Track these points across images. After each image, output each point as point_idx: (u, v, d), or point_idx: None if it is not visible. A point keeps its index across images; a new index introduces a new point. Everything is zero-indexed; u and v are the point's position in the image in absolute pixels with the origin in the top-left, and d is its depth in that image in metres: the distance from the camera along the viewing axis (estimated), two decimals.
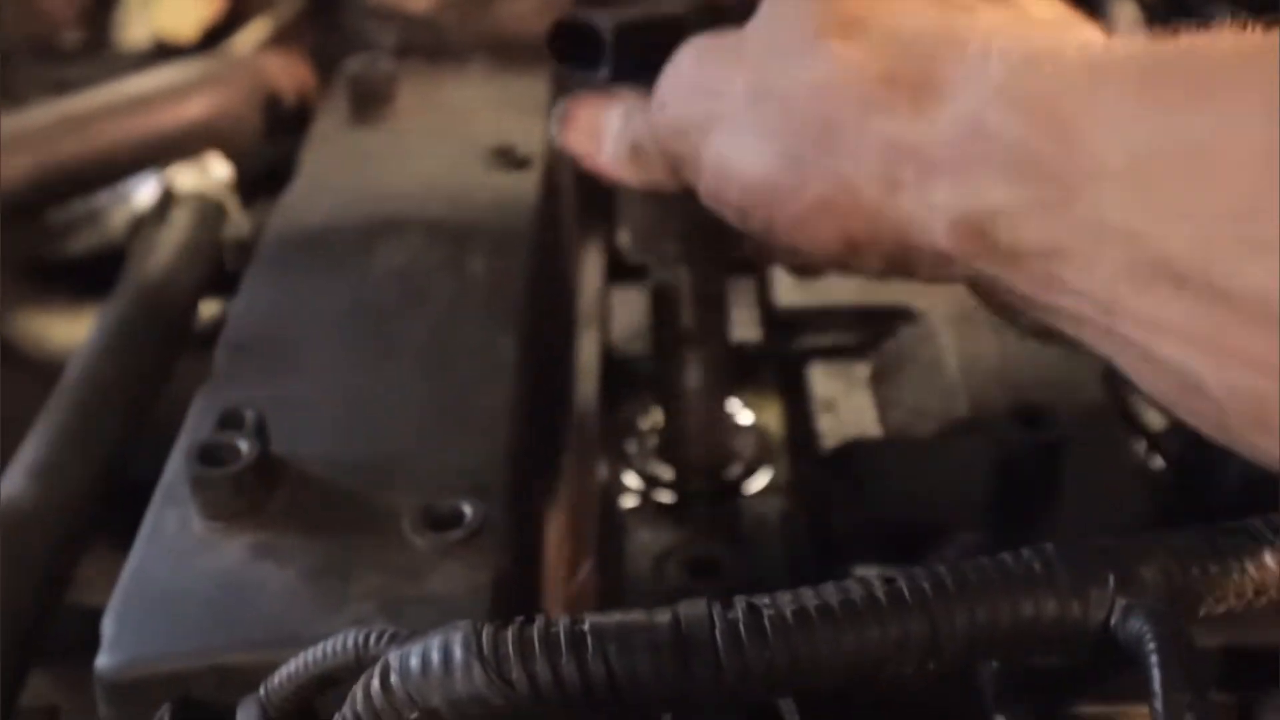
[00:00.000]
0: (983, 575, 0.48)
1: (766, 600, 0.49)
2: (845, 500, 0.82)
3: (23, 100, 1.36)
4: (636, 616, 0.49)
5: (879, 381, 0.91)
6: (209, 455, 0.64)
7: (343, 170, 0.95)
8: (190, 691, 0.58)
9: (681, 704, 0.49)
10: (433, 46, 1.10)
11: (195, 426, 0.72)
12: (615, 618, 0.49)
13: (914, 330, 0.92)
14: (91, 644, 0.65)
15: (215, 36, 1.39)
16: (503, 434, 0.69)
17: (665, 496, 0.88)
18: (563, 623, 0.49)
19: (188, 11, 1.34)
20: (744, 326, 0.96)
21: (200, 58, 1.14)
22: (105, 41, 1.40)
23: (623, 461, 0.90)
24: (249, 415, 0.67)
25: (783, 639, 0.47)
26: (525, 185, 0.91)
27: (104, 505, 0.76)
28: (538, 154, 0.94)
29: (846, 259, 0.61)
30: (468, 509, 0.64)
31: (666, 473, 0.89)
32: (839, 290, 0.96)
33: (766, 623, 0.48)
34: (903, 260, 0.60)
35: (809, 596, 0.48)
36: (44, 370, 1.30)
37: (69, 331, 1.27)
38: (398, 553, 0.62)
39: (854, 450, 0.84)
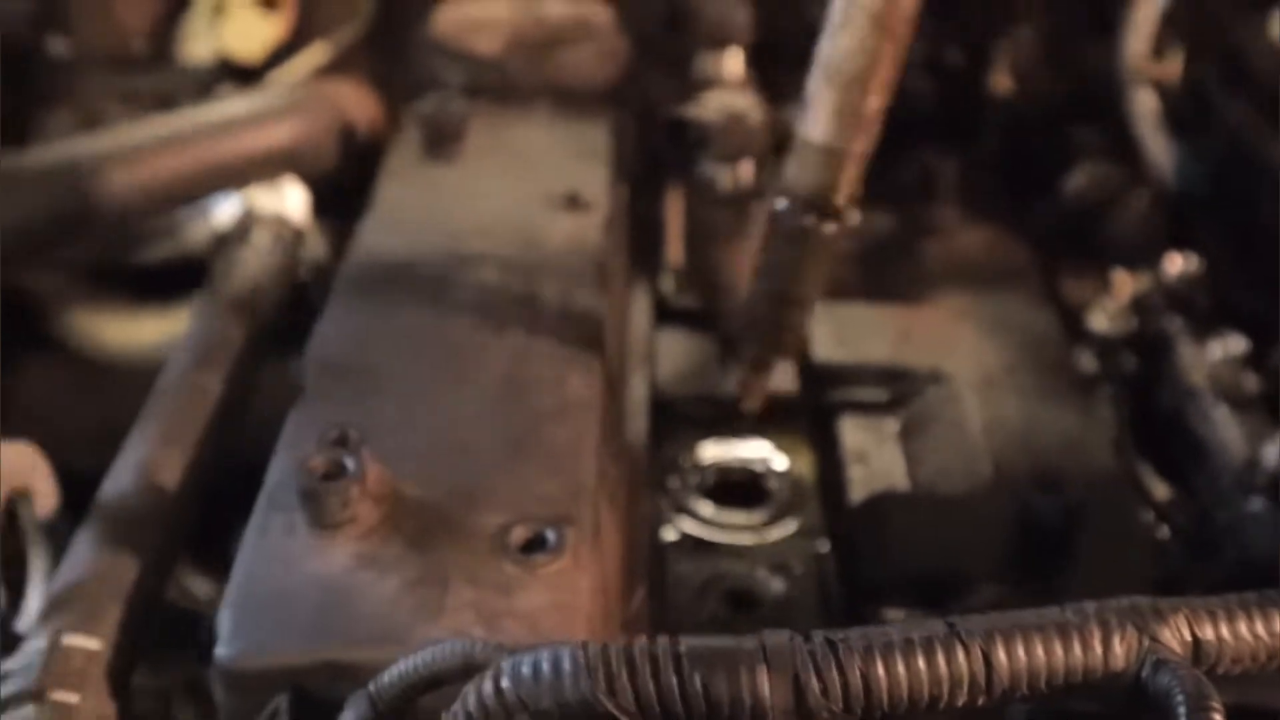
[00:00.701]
0: (1030, 625, 0.55)
1: (841, 635, 0.55)
2: (874, 548, 0.88)
3: (92, 107, 1.42)
4: (726, 642, 0.56)
5: (907, 437, 0.98)
6: (321, 470, 0.70)
7: (417, 204, 1.01)
8: (300, 684, 0.64)
9: None
10: (499, 88, 1.17)
11: (292, 441, 0.78)
12: (708, 642, 0.56)
13: (941, 391, 1.00)
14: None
15: (276, 57, 1.46)
16: (584, 468, 0.75)
17: (704, 532, 0.95)
18: (661, 643, 0.55)
19: (255, 33, 1.40)
20: (782, 378, 1.02)
21: (284, 86, 1.20)
22: (170, 55, 1.46)
23: (666, 497, 0.96)
24: (353, 435, 0.73)
25: (856, 669, 0.54)
26: (590, 228, 0.98)
27: (201, 503, 0.82)
28: (600, 200, 1.01)
29: None
30: (551, 535, 0.70)
31: (706, 509, 0.95)
32: (873, 350, 1.04)
33: (841, 654, 0.54)
34: None
35: (878, 634, 0.55)
36: (97, 367, 1.37)
37: (125, 332, 1.34)
38: (489, 570, 0.69)
39: (883, 502, 0.91)
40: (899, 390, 1.00)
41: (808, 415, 1.01)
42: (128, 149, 1.01)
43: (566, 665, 0.55)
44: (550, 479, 0.75)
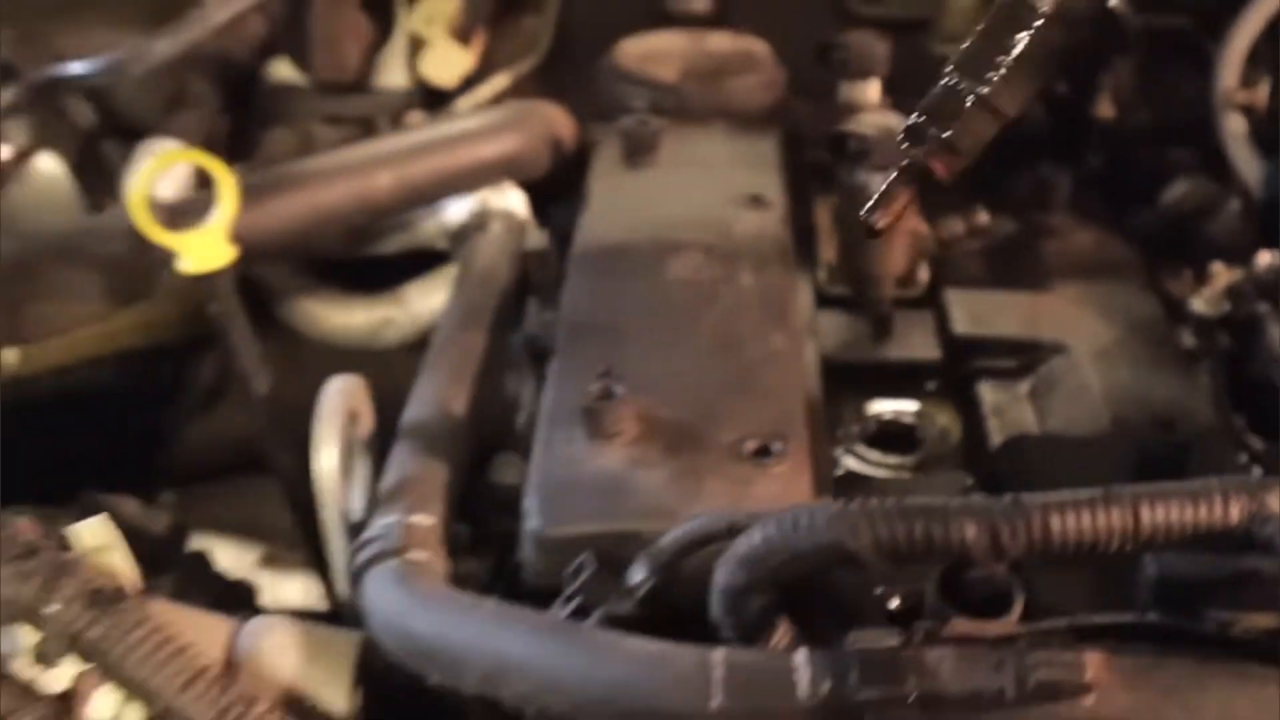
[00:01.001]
0: (1168, 491, 0.74)
1: (1027, 497, 0.74)
2: (1011, 481, 1.07)
3: (303, 126, 1.64)
4: (935, 500, 0.75)
5: (1036, 397, 1.17)
6: (597, 394, 0.91)
7: (625, 202, 1.22)
8: (595, 548, 0.84)
9: (962, 560, 0.74)
10: (677, 109, 1.38)
11: (557, 381, 0.99)
12: (921, 501, 0.75)
13: (1063, 360, 1.18)
14: None
15: (466, 84, 1.68)
16: (793, 400, 0.95)
17: (868, 471, 1.14)
18: (888, 501, 0.75)
19: (453, 64, 1.62)
20: (927, 349, 1.22)
21: (504, 107, 1.41)
22: (366, 82, 1.69)
23: (836, 444, 1.15)
24: (616, 370, 0.93)
25: (1037, 521, 0.73)
26: (772, 222, 1.18)
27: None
28: (778, 200, 1.22)
29: None
30: (776, 445, 0.90)
31: (869, 453, 1.14)
32: (1004, 327, 1.23)
33: (1027, 509, 0.73)
34: None
35: (1053, 496, 0.74)
36: (314, 347, 1.58)
37: (339, 319, 1.55)
38: (731, 469, 0.89)
39: (1019, 443, 1.10)
40: (1028, 359, 1.19)
41: (951, 379, 1.20)
42: (390, 155, 1.22)
43: (819, 517, 0.75)
44: (768, 407, 0.95)
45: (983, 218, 1.32)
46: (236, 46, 1.61)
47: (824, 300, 1.30)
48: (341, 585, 0.95)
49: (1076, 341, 1.20)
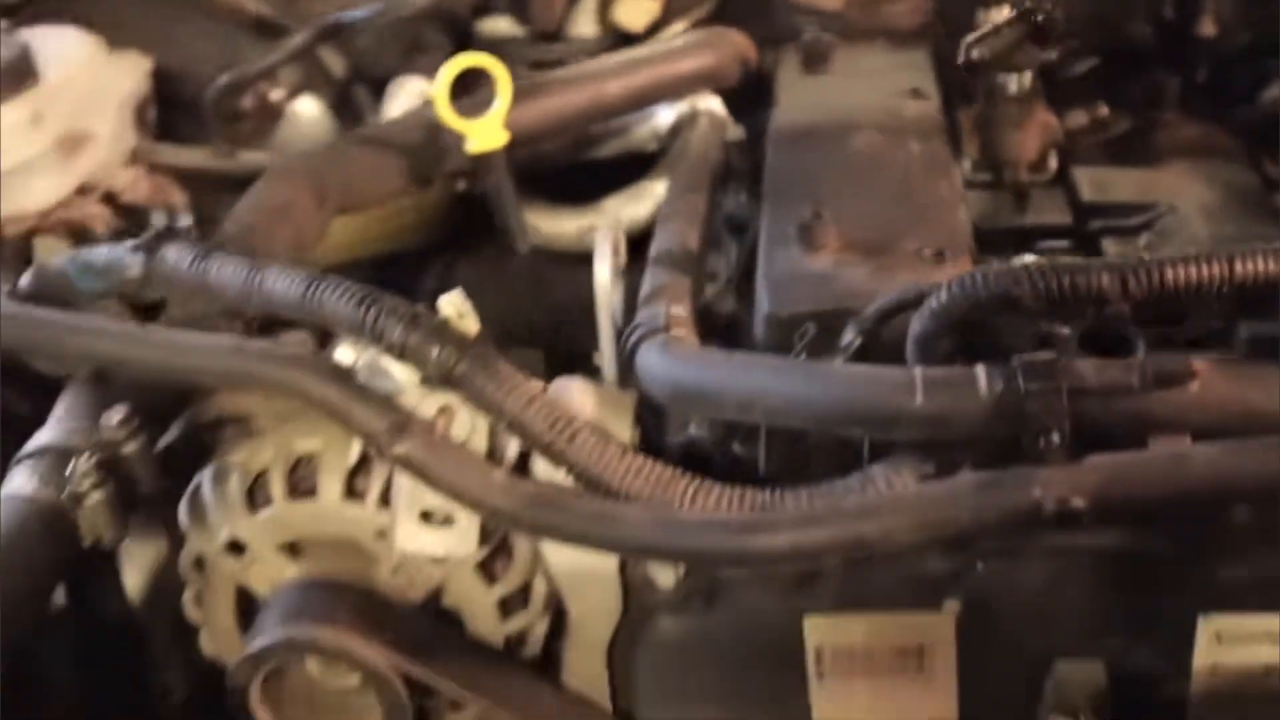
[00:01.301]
0: (1255, 248, 0.99)
1: (1145, 256, 1.00)
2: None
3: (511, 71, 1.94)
4: (1079, 259, 1.01)
5: (1152, 249, 1.41)
6: (810, 217, 1.18)
7: (808, 98, 1.50)
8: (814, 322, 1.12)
9: (1100, 301, 1.00)
10: (841, 33, 1.65)
11: (770, 219, 1.27)
12: (1068, 259, 1.01)
13: (1176, 217, 1.42)
14: None
15: (652, 29, 1.97)
16: (959, 225, 1.22)
17: None
18: (1041, 259, 1.01)
19: (643, 10, 1.91)
20: (1059, 214, 1.47)
21: (700, 31, 1.70)
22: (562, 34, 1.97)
23: None
24: (819, 205, 1.21)
25: (1157, 270, 0.98)
26: (930, 109, 1.45)
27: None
28: (933, 93, 1.49)
29: None
30: (948, 252, 1.17)
31: None
32: (1122, 195, 1.47)
33: (1148, 261, 0.99)
34: None
35: (1168, 256, 1.00)
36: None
37: (552, 226, 1.83)
38: (915, 267, 1.16)
39: None
40: (1144, 218, 1.44)
41: (1079, 239, 1.45)
42: (617, 67, 1.52)
43: (991, 273, 1.01)
44: (940, 228, 1.22)
45: (1103, 110, 1.57)
46: (458, 4, 1.92)
47: (968, 185, 1.56)
48: (609, 373, 1.24)
49: (1186, 204, 1.44)
